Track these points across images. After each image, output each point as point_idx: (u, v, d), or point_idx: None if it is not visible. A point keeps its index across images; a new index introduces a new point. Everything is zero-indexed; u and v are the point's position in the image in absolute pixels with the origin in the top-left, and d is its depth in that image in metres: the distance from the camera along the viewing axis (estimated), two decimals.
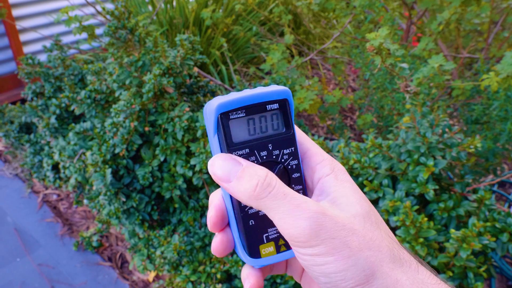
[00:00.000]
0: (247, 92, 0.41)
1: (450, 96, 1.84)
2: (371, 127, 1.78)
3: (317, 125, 2.56)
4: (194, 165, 1.48)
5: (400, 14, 2.32)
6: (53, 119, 1.81)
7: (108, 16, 1.94)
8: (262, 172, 0.39)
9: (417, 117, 1.17)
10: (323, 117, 1.81)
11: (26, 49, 2.81)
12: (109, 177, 1.47)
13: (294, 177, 0.43)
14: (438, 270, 0.99)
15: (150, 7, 2.82)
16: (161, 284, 1.68)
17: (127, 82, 1.56)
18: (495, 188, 2.05)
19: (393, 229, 1.15)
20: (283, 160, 0.42)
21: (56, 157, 1.75)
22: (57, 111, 1.81)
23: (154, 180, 1.55)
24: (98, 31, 2.97)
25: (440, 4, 1.92)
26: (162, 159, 1.50)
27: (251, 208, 0.42)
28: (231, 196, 0.42)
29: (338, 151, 1.28)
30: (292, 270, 0.48)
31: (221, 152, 0.41)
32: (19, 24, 2.69)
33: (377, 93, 1.83)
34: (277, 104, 0.42)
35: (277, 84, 1.55)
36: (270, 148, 0.42)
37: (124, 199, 1.53)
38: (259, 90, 0.42)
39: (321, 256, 0.37)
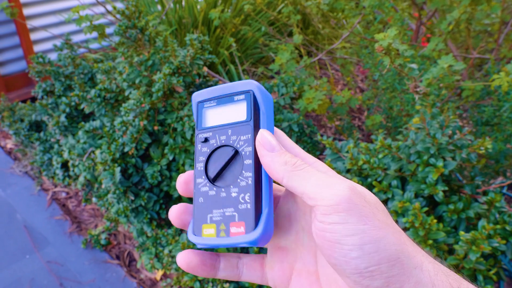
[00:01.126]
0: (222, 86, 0.47)
1: (459, 97, 1.82)
2: (380, 127, 1.78)
3: (325, 125, 2.56)
4: None
5: (409, 15, 2.31)
6: (63, 118, 1.83)
7: (118, 16, 1.95)
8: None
9: (427, 118, 1.16)
10: (332, 117, 1.81)
11: (36, 48, 2.84)
12: (118, 175, 1.48)
13: (246, 163, 0.44)
14: None
15: (159, 7, 2.83)
16: (168, 283, 1.69)
17: (137, 81, 1.57)
18: (504, 191, 2.03)
19: (404, 231, 1.15)
20: (238, 146, 0.45)
21: (65, 155, 1.76)
22: (67, 110, 1.82)
23: (162, 179, 1.56)
24: (108, 30, 2.99)
25: (450, 4, 1.91)
26: (170, 158, 1.51)
27: (203, 186, 0.45)
28: (194, 174, 0.46)
29: (347, 152, 1.28)
30: (275, 281, 0.45)
31: (196, 132, 0.48)
32: (30, 23, 2.72)
33: (386, 93, 1.82)
34: (243, 95, 0.46)
35: (286, 84, 1.55)
36: (229, 134, 0.46)
37: (132, 198, 1.54)
38: (233, 84, 0.47)
39: (355, 224, 0.36)
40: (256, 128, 0.44)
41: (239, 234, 0.42)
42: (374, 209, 0.38)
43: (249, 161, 0.43)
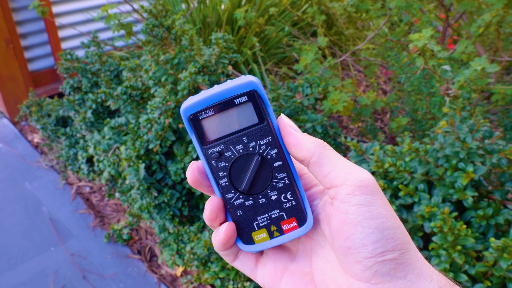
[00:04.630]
0: (214, 90, 0.42)
1: (488, 101, 1.78)
2: (405, 130, 1.75)
3: (347, 127, 2.53)
4: None
5: (436, 16, 2.27)
6: (89, 114, 1.87)
7: (144, 14, 1.98)
8: None
9: (456, 121, 1.14)
10: (356, 119, 1.79)
11: (64, 45, 2.90)
12: (142, 172, 1.50)
13: (276, 165, 0.43)
14: (475, 279, 0.97)
15: (183, 6, 2.86)
16: (189, 279, 1.70)
17: (162, 79, 1.58)
18: None
19: (428, 235, 1.13)
20: (261, 151, 0.43)
21: (91, 150, 1.79)
22: (94, 106, 1.86)
23: (185, 176, 1.58)
24: (134, 28, 3.03)
25: (478, 6, 1.86)
26: (194, 156, 1.52)
27: (236, 199, 0.44)
28: (219, 191, 0.44)
29: (372, 154, 1.27)
30: (265, 278, 0.45)
31: (200, 149, 0.43)
32: (58, 21, 2.78)
33: (411, 96, 1.80)
34: (246, 97, 0.42)
35: (311, 84, 1.55)
36: (245, 141, 0.43)
37: (155, 194, 1.55)
38: (226, 85, 0.42)
39: (378, 209, 0.38)
40: (272, 127, 0.43)
41: (293, 229, 0.44)
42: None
43: (279, 163, 0.43)
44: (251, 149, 0.43)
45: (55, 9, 2.78)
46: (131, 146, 1.55)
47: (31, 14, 2.70)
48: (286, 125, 0.43)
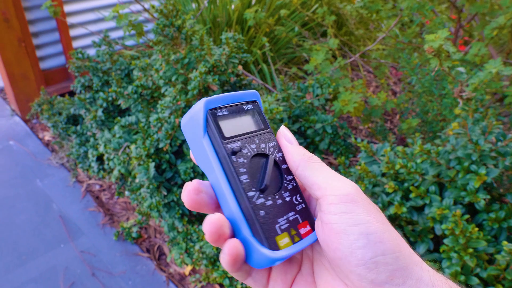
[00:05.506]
0: (224, 94, 0.45)
1: (501, 104, 1.77)
2: (415, 131, 1.74)
3: (356, 128, 2.53)
4: None
5: (448, 18, 2.25)
6: (100, 112, 1.88)
7: (155, 14, 1.99)
8: None
9: (468, 123, 1.13)
10: (366, 120, 1.78)
11: (75, 44, 2.93)
12: (152, 170, 1.51)
13: (284, 167, 0.45)
14: (487, 282, 0.96)
15: (194, 5, 2.87)
16: (197, 278, 1.71)
17: (173, 78, 1.59)
18: None
19: (439, 238, 1.12)
20: (270, 153, 0.44)
21: (101, 149, 1.81)
22: (104, 105, 1.87)
23: (195, 175, 1.58)
24: (144, 28, 3.04)
25: (490, 7, 1.84)
26: None
27: (258, 198, 0.41)
28: (241, 188, 0.41)
29: (382, 155, 1.26)
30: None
31: (214, 151, 0.41)
32: (69, 20, 2.81)
33: (422, 97, 1.79)
34: (251, 105, 0.47)
35: (321, 85, 1.54)
36: (257, 142, 0.44)
37: (165, 193, 1.56)
38: (234, 93, 0.46)
39: (361, 215, 0.37)
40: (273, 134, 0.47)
41: (309, 233, 0.43)
42: (375, 208, 0.40)
43: (285, 165, 0.45)
44: (262, 149, 0.44)
45: (67, 8, 2.80)
46: (141, 145, 1.56)
47: (43, 13, 2.73)
48: (281, 135, 0.46)
